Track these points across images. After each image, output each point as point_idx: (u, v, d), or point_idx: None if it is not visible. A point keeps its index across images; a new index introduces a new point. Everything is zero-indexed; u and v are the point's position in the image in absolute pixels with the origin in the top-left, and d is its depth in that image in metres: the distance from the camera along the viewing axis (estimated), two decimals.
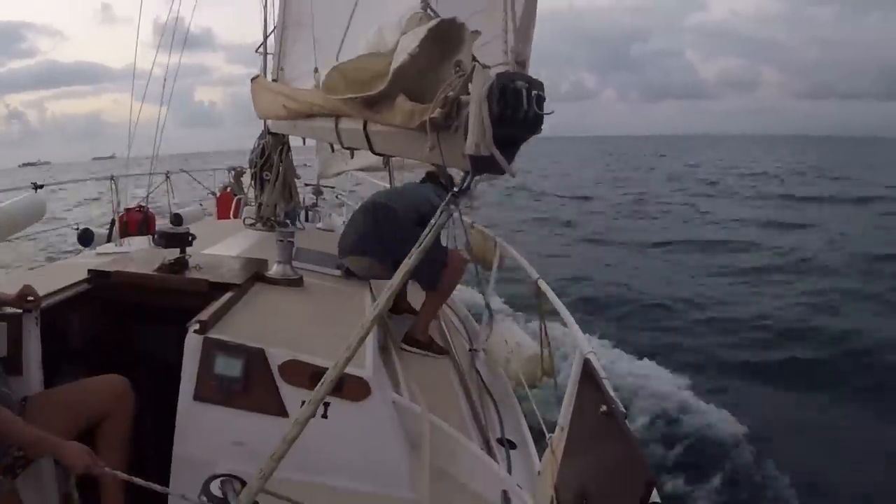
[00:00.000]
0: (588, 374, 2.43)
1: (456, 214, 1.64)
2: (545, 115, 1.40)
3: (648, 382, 8.11)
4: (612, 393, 2.20)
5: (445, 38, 1.62)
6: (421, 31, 1.61)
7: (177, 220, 7.34)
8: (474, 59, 1.54)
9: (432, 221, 1.53)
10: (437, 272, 3.97)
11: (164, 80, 6.98)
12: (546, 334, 3.71)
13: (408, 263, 1.51)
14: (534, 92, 1.36)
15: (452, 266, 3.99)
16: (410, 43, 1.64)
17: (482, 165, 1.44)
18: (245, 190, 7.81)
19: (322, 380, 1.54)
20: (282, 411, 2.48)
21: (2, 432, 2.16)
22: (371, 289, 3.79)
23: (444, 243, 4.21)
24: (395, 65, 1.68)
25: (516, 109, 1.34)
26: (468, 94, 1.43)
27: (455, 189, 1.55)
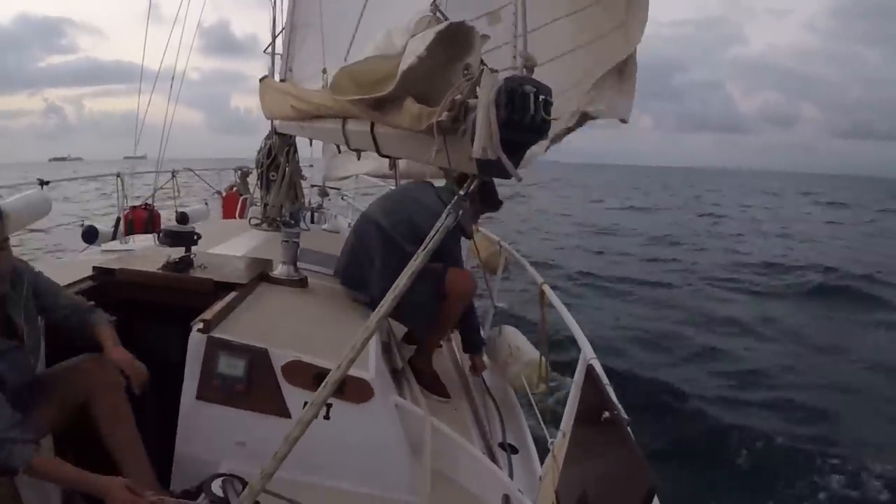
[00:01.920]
0: (591, 380, 2.42)
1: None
2: (551, 120, 1.40)
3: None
4: (614, 399, 2.20)
5: (454, 41, 1.62)
6: (430, 34, 1.61)
7: (182, 218, 7.35)
8: (483, 62, 1.54)
9: (437, 224, 1.52)
10: (424, 318, 3.61)
11: (170, 79, 7.08)
12: (546, 339, 3.70)
13: (413, 265, 1.51)
14: (541, 97, 1.36)
15: (454, 294, 3.55)
16: (419, 45, 1.64)
17: (488, 169, 1.44)
18: (251, 190, 7.82)
19: (325, 381, 1.54)
20: (284, 412, 2.48)
21: (46, 475, 2.15)
22: None
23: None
24: (403, 67, 1.68)
25: (524, 114, 1.34)
26: (476, 97, 1.43)
27: (461, 192, 1.55)
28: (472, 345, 4.03)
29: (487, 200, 3.76)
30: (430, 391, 3.55)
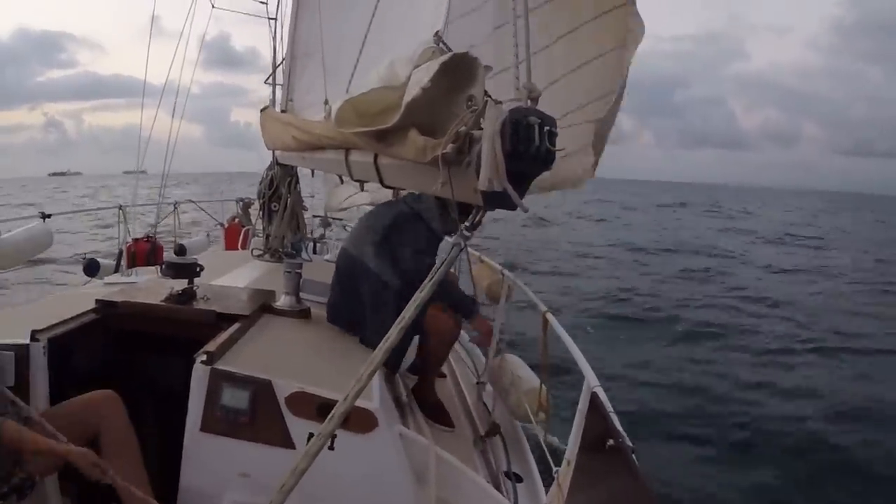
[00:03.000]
0: (595, 408, 2.42)
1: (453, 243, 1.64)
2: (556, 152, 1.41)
3: None
4: (619, 427, 2.19)
5: (458, 72, 1.63)
6: (434, 65, 1.62)
7: (180, 250, 7.38)
8: (486, 93, 1.56)
9: (444, 257, 1.53)
10: (398, 354, 3.46)
11: (171, 93, 7.16)
12: (546, 369, 3.70)
13: (419, 297, 1.52)
14: (546, 127, 1.37)
15: (435, 337, 3.58)
16: (423, 76, 1.66)
17: (494, 201, 1.45)
18: (253, 221, 7.85)
19: (332, 413, 1.54)
20: (288, 443, 2.47)
21: (13, 439, 2.19)
22: None
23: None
24: (407, 98, 1.69)
25: (529, 145, 1.34)
26: (480, 128, 1.44)
27: (466, 224, 1.55)
28: (465, 311, 3.77)
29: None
30: (434, 420, 3.52)
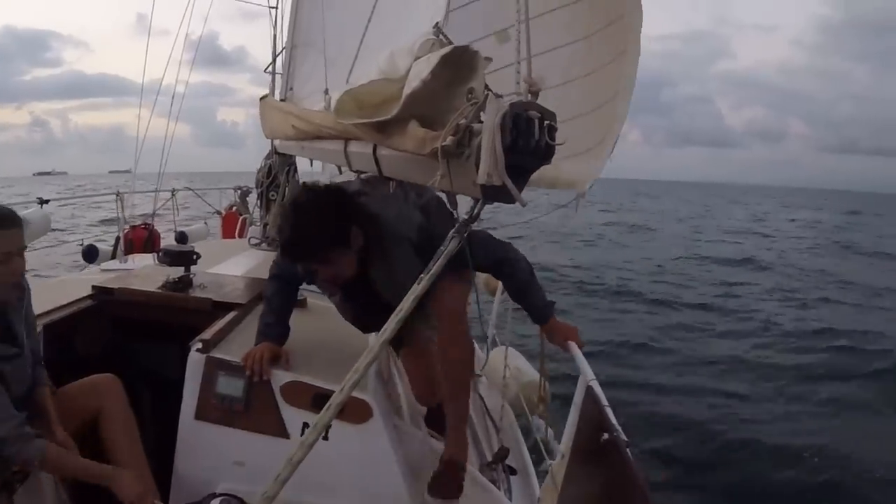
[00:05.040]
0: (590, 402, 2.42)
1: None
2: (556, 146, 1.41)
3: None
4: (614, 421, 2.19)
5: (458, 64, 1.62)
6: (434, 58, 1.62)
7: (182, 237, 7.37)
8: (487, 87, 1.55)
9: (441, 249, 1.53)
10: None
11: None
12: (544, 361, 3.70)
13: (416, 289, 1.52)
14: (546, 122, 1.37)
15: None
16: (423, 69, 1.65)
17: (493, 194, 1.45)
18: (250, 210, 7.84)
19: (328, 404, 1.54)
20: (283, 432, 2.48)
21: (56, 466, 2.22)
22: None
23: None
24: (407, 90, 1.69)
25: (529, 139, 1.34)
26: (480, 121, 1.44)
27: (465, 217, 1.55)
28: (539, 315, 3.04)
29: None
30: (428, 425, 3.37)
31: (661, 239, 32.74)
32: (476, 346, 5.13)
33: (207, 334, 2.66)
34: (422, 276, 1.53)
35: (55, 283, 4.22)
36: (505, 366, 4.05)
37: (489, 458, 3.31)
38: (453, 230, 1.55)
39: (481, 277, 4.86)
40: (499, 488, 2.94)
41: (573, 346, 2.83)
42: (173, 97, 8.05)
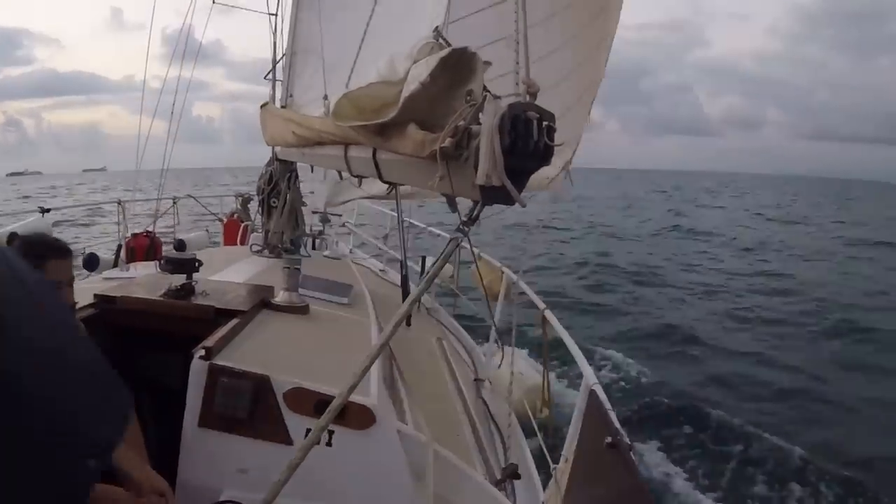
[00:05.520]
0: (593, 406, 2.41)
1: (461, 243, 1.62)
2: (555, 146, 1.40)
3: None
4: (617, 424, 2.19)
5: (457, 67, 1.62)
6: (433, 60, 1.62)
7: (180, 245, 7.39)
8: (485, 88, 1.55)
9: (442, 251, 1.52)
10: None
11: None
12: (547, 366, 3.70)
13: (416, 292, 1.51)
14: (544, 123, 1.36)
15: None
16: (422, 71, 1.65)
17: (493, 196, 1.44)
18: (252, 217, 7.84)
19: (328, 408, 1.54)
20: (286, 439, 2.47)
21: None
22: (377, 318, 3.77)
23: (449, 273, 3.94)
24: (405, 93, 1.69)
25: (527, 140, 1.34)
26: (479, 123, 1.44)
27: (464, 219, 1.55)
28: None
29: None
30: None
31: None
32: (479, 350, 5.15)
33: (210, 341, 2.65)
34: (423, 277, 1.53)
35: None
36: (511, 371, 4.05)
37: (493, 466, 3.30)
38: (454, 230, 1.54)
39: (485, 281, 4.86)
40: (503, 493, 2.92)
41: (575, 347, 2.84)
42: (175, 96, 8.04)
